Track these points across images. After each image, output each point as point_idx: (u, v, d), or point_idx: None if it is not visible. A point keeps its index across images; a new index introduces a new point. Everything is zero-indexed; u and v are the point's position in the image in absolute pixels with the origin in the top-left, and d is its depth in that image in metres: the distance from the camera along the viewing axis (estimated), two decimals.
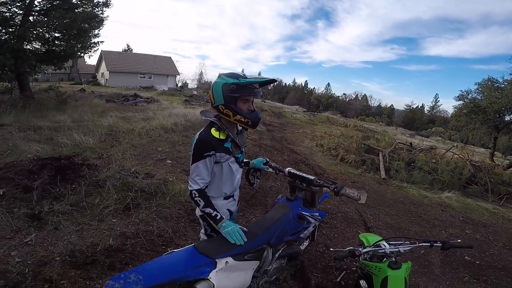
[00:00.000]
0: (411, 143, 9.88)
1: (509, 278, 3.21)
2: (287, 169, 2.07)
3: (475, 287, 2.98)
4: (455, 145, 9.72)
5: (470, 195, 6.55)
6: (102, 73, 34.13)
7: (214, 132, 1.51)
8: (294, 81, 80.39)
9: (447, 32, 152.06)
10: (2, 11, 9.09)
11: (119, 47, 64.52)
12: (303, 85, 76.91)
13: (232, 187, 1.71)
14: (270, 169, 2.10)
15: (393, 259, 1.59)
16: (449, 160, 7.85)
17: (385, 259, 1.63)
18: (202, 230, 1.79)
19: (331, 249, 1.91)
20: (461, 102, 13.44)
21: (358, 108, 58.31)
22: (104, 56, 32.55)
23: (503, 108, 11.21)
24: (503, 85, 11.90)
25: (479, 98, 12.59)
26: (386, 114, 55.40)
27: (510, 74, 11.69)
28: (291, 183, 2.08)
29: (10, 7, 9.27)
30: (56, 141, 5.43)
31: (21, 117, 7.45)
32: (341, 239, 3.63)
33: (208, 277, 1.30)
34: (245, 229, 1.55)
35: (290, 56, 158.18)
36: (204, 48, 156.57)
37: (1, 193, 3.08)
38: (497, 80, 12.24)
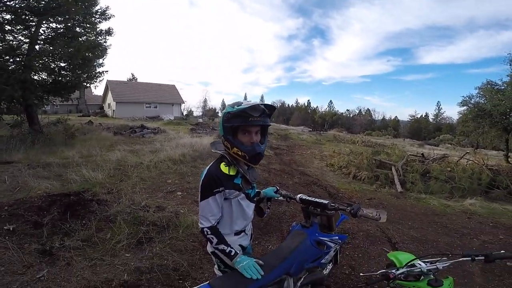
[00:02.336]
0: (422, 154, 9.48)
1: None
2: (299, 195, 1.94)
3: None
4: (467, 151, 9.24)
5: (494, 200, 6.05)
6: (109, 104, 32.75)
7: (223, 167, 1.40)
8: (296, 102, 79.56)
9: (437, 39, 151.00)
10: (9, 39, 9.10)
11: (123, 77, 62.56)
12: (306, 104, 76.11)
13: (243, 223, 1.59)
14: (281, 197, 1.96)
15: (432, 276, 1.42)
16: (465, 167, 7.44)
17: (422, 277, 1.44)
18: (216, 266, 1.65)
19: (361, 274, 1.71)
20: (465, 107, 13.05)
21: (363, 123, 57.56)
22: (110, 86, 31.37)
23: (508, 110, 10.82)
24: (503, 87, 11.63)
25: (482, 102, 12.24)
26: (392, 127, 54.04)
27: (508, 75, 11.52)
28: (305, 209, 1.93)
29: (16, 35, 9.28)
30: (65, 177, 5.38)
31: (30, 153, 7.39)
32: (366, 259, 3.35)
33: None
34: (261, 262, 1.42)
35: (290, 76, 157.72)
36: (205, 74, 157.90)
37: (11, 229, 3.02)
38: (496, 82, 12.00)
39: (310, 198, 1.88)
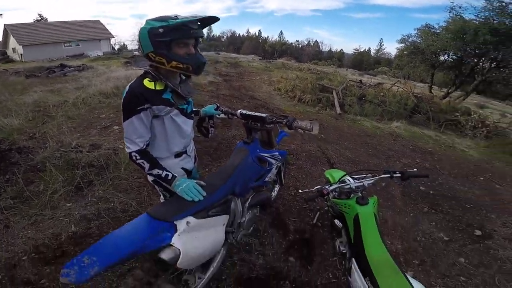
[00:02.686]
0: (361, 80, 9.99)
1: (460, 207, 3.29)
2: (239, 111, 1.82)
3: (434, 217, 2.98)
4: (399, 80, 9.95)
5: (415, 124, 6.81)
6: (14, 48, 28.46)
7: (147, 82, 1.26)
8: (247, 31, 76.11)
9: None
10: None
11: (29, 19, 53.66)
12: (256, 34, 73.73)
13: (182, 142, 1.45)
14: (222, 114, 1.85)
15: (360, 194, 1.54)
16: (395, 93, 8.06)
17: (352, 195, 1.57)
18: (161, 197, 1.59)
19: (300, 191, 1.87)
20: (403, 44, 14.34)
21: (311, 54, 58.33)
22: (11, 30, 27.13)
23: (438, 50, 12.13)
24: (439, 31, 12.66)
25: (418, 41, 13.45)
26: (337, 58, 56.20)
27: (445, 21, 12.46)
28: (246, 125, 1.84)
29: None
30: None
31: None
32: (309, 179, 3.44)
33: (171, 243, 1.11)
34: (202, 183, 1.33)
35: (241, 6, 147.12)
36: (141, 7, 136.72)
37: None
38: (433, 26, 13.00)
39: (250, 113, 1.77)
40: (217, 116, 1.83)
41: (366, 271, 1.17)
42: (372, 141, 5.23)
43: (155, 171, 1.27)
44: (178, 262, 1.10)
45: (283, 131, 2.33)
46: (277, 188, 2.70)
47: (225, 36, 75.51)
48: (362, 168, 4.01)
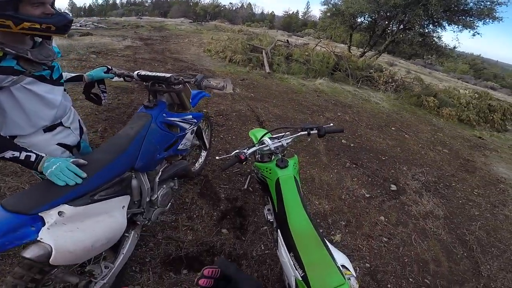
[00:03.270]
0: (287, 41, 10.06)
1: (377, 160, 3.62)
2: (136, 72, 1.53)
3: (355, 172, 3.19)
4: (321, 40, 10.34)
5: (336, 81, 7.29)
6: None
7: None
8: None
9: None
10: None
11: None
12: None
13: (51, 114, 1.18)
14: (116, 77, 1.57)
15: (280, 156, 1.44)
16: (318, 53, 8.36)
17: (273, 156, 1.48)
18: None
19: (217, 157, 1.51)
20: (325, 6, 14.69)
21: (244, 16, 56.93)
22: None
23: (356, 12, 12.62)
24: None
25: (339, 3, 13.83)
26: (269, 20, 56.32)
27: None
28: (151, 90, 1.54)
29: None
30: None
31: None
32: (239, 140, 3.34)
33: (38, 239, 0.89)
34: (82, 161, 1.08)
35: None
36: None
37: None
38: None
39: (149, 73, 1.50)
40: (110, 79, 1.55)
41: (290, 246, 1.11)
42: (298, 98, 5.39)
43: (8, 154, 0.97)
44: (51, 260, 0.90)
45: (203, 91, 2.09)
46: (203, 154, 2.50)
47: (149, 0, 66.36)
48: (289, 124, 4.11)
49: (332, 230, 2.27)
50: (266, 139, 1.49)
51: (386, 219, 2.54)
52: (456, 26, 10.04)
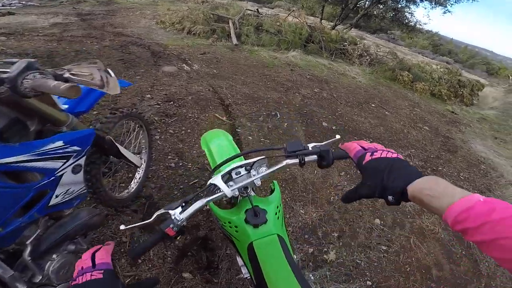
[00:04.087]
0: (257, 10, 9.01)
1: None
2: None
3: (341, 163, 2.64)
4: (293, 9, 9.46)
5: (310, 53, 6.59)
6: None
7: None
8: None
9: None
10: None
11: None
12: None
13: None
14: None
15: (250, 197, 0.77)
16: (291, 23, 7.53)
17: (240, 197, 0.82)
18: None
19: (122, 227, 0.65)
20: None
21: None
22: None
23: None
24: None
25: None
26: None
27: None
28: None
29: None
30: None
31: None
32: (197, 135, 2.53)
33: None
34: None
35: None
36: None
37: None
38: None
39: None
40: None
41: None
42: (270, 73, 4.65)
43: None
44: None
45: (94, 89, 1.17)
46: (141, 168, 1.72)
47: None
48: (262, 106, 3.41)
49: (324, 245, 1.80)
50: (219, 180, 0.73)
51: (382, 222, 2.14)
52: (429, 2, 9.83)
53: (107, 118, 1.23)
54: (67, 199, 0.99)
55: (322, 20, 13.87)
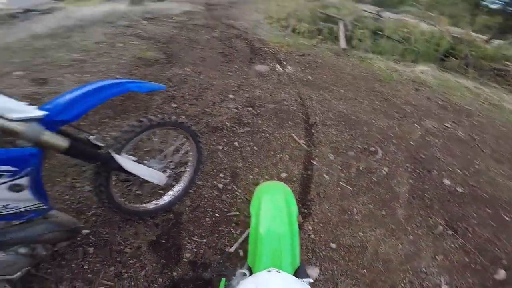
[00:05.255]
0: (378, 11, 7.46)
1: (495, 222, 1.87)
2: None
3: (447, 244, 1.55)
4: (432, 14, 7.41)
5: (448, 70, 4.76)
6: None
7: None
8: None
9: None
10: None
11: None
12: None
13: None
14: None
15: None
16: (424, 30, 5.74)
17: None
18: None
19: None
20: None
21: None
22: None
23: None
24: None
25: None
26: None
27: None
28: None
29: None
30: None
31: None
32: (262, 157, 1.91)
33: None
34: None
35: None
36: None
37: None
38: None
39: None
40: None
41: None
42: (383, 89, 3.40)
43: None
44: None
45: (124, 81, 1.01)
46: (184, 179, 1.48)
47: None
48: (359, 135, 2.33)
49: None
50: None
51: None
52: None
53: (122, 132, 1.07)
54: (5, 213, 0.85)
55: (472, 32, 10.79)
